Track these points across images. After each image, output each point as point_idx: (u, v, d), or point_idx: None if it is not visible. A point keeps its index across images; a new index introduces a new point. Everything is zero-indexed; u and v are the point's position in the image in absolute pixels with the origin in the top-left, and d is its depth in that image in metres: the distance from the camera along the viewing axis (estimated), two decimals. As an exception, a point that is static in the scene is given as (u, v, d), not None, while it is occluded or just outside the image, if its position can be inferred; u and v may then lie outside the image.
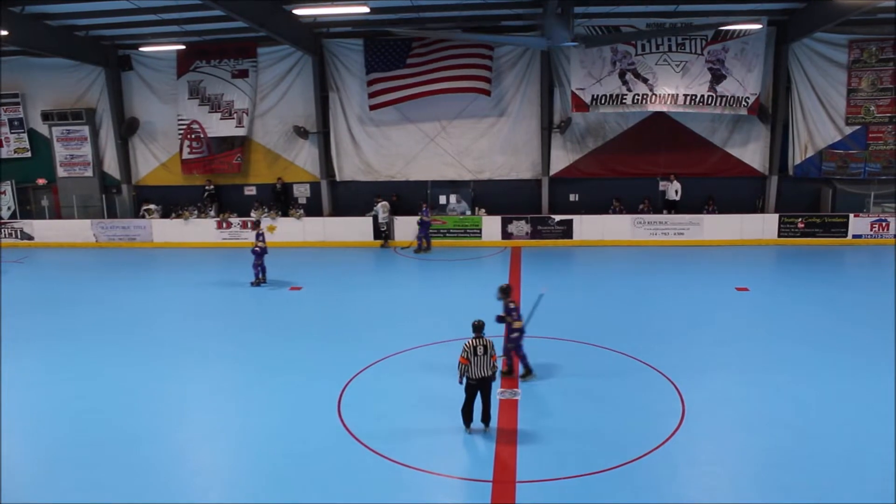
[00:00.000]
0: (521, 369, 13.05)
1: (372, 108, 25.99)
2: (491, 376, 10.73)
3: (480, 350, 10.55)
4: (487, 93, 25.25)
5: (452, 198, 26.65)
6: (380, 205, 25.90)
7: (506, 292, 12.90)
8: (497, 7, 22.60)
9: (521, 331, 12.76)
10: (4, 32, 21.01)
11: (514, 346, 12.83)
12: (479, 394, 10.77)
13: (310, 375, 13.77)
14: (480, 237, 25.98)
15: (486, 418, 10.90)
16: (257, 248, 20.51)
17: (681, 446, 10.53)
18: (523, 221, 25.74)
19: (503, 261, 23.60)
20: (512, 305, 12.80)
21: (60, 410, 12.61)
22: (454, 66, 25.17)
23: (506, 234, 25.84)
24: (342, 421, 11.70)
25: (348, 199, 27.38)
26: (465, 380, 10.73)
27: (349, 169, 27.35)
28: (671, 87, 24.32)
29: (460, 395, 10.97)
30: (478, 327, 10.83)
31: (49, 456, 10.96)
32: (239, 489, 9.97)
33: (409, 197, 26.82)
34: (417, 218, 25.08)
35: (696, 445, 10.62)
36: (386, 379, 13.54)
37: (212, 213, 27.33)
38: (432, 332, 15.66)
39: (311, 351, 15.26)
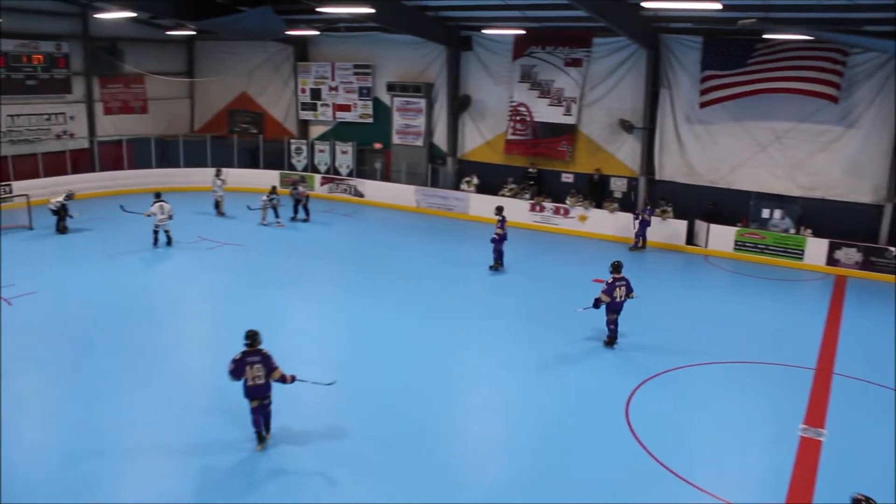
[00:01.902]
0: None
1: (702, 105, 24.85)
2: None
3: None
4: (835, 99, 22.82)
5: (777, 213, 24.67)
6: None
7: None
8: (860, 10, 20.29)
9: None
10: (372, 11, 23.28)
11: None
12: None
13: (605, 369, 13.97)
14: (801, 259, 23.88)
15: None
16: (496, 236, 21.01)
17: None
18: (854, 249, 23.24)
19: (824, 289, 21.69)
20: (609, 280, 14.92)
21: (347, 361, 14.21)
22: (799, 68, 23.13)
23: (831, 261, 23.52)
24: (628, 422, 11.53)
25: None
26: None
27: (670, 168, 26.48)
28: None
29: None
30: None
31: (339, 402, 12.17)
32: (508, 467, 10.63)
33: (729, 206, 25.30)
34: (637, 216, 25.03)
35: None
36: (680, 388, 13.25)
37: (527, 195, 27.85)
38: (732, 350, 15.23)
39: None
